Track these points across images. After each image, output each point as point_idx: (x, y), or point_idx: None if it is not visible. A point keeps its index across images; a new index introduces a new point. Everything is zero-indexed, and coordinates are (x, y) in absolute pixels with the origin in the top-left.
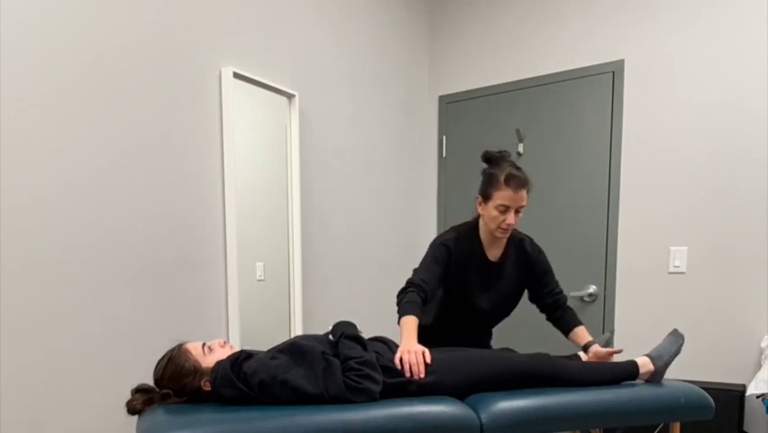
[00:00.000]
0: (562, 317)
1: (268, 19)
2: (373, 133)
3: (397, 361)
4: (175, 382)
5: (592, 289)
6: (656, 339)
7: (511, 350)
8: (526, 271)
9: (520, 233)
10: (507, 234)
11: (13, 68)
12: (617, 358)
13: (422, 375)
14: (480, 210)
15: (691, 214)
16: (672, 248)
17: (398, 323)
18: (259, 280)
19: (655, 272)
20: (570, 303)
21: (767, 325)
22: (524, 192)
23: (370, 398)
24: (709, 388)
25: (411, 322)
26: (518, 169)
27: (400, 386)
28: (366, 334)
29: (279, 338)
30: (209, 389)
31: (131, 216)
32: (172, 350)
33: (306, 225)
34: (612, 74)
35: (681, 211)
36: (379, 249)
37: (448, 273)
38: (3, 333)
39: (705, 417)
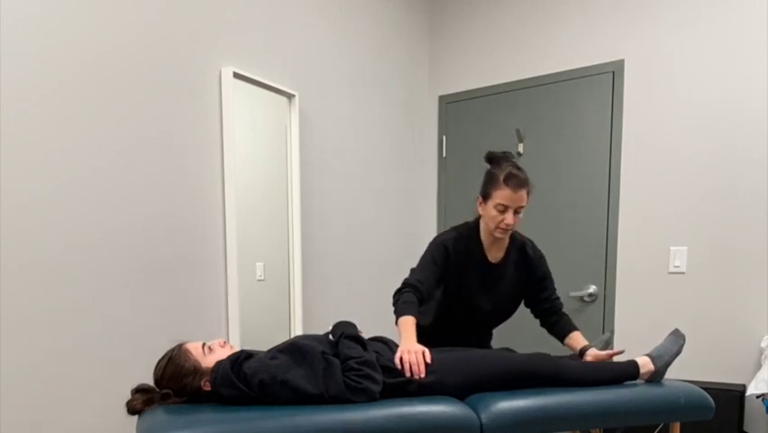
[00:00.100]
0: (558, 323)
1: (268, 19)
2: (373, 133)
3: (397, 361)
4: (175, 382)
5: (592, 289)
6: (656, 339)
7: (511, 350)
8: (526, 274)
9: (522, 236)
10: (507, 235)
11: (13, 68)
12: (617, 358)
13: (422, 375)
14: (480, 210)
15: (691, 214)
16: (671, 248)
17: (396, 323)
18: (259, 280)
19: (655, 272)
20: (570, 303)
21: (767, 325)
22: (523, 192)
23: (371, 398)
24: (709, 388)
25: (409, 322)
26: (519, 169)
27: (400, 386)
28: (366, 334)
29: (279, 338)
30: (209, 389)
31: (131, 216)
32: (172, 350)
33: (306, 225)
34: (612, 74)
35: (681, 211)
36: (379, 249)
37: (446, 273)
38: (3, 333)
39: (705, 417)
